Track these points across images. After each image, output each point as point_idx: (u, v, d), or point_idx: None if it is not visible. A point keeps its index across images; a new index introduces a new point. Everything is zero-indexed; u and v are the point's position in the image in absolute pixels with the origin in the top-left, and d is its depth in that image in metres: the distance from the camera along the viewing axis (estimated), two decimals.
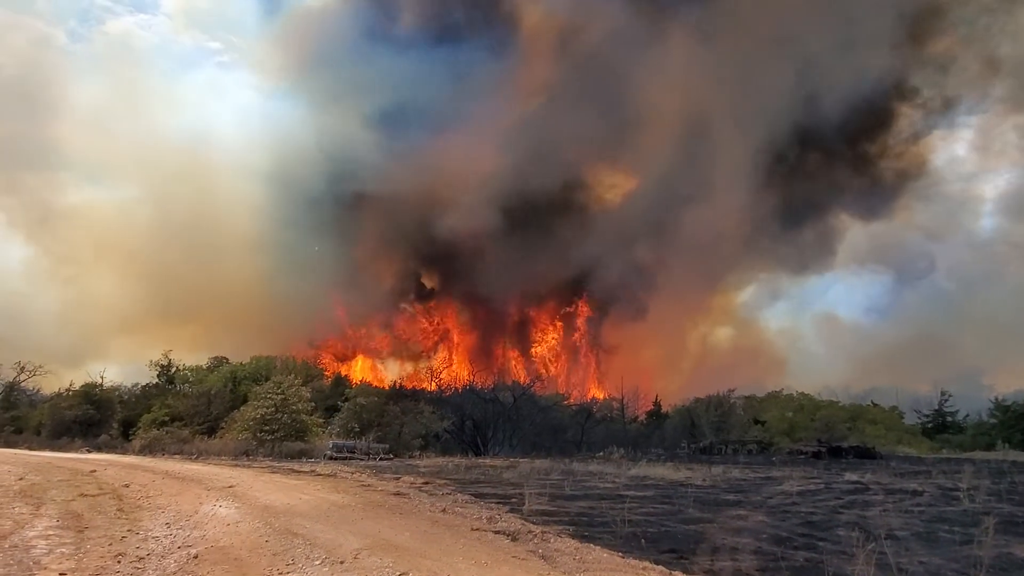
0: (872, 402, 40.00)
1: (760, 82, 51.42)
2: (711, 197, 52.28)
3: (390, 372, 51.40)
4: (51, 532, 6.93)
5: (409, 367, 51.85)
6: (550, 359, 54.26)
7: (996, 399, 35.80)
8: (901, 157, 54.44)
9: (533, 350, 54.95)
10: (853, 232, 58.20)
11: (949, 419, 39.22)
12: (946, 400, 39.91)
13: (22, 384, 37.50)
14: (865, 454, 26.43)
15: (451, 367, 47.11)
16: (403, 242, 54.59)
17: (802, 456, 26.76)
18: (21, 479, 11.80)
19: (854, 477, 16.69)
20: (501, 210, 51.32)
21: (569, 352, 54.65)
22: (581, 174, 56.44)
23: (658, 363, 53.10)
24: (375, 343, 54.28)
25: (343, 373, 41.09)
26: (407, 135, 53.10)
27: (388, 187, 50.68)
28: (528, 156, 50.73)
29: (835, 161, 54.58)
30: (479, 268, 53.48)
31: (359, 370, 48.77)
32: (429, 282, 58.14)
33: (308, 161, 52.16)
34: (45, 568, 5.49)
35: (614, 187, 58.64)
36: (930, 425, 39.12)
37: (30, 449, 25.90)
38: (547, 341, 55.26)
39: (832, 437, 29.54)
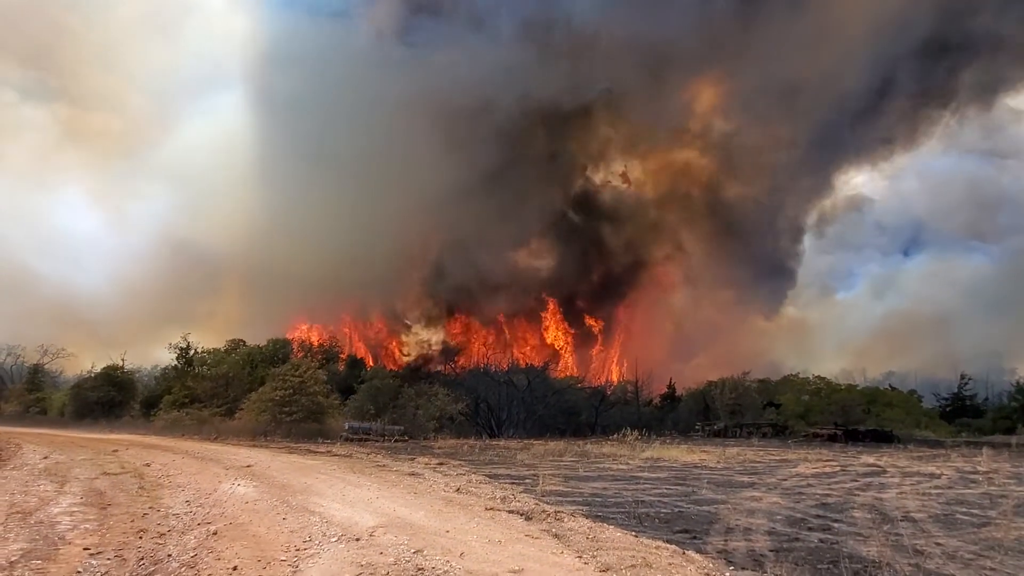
0: (890, 386, 39.58)
1: None
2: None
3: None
4: (75, 509, 7.11)
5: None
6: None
7: (1017, 382, 35.35)
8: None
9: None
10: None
11: (968, 403, 38.72)
12: (966, 383, 39.41)
13: (46, 366, 38.65)
14: (882, 437, 26.24)
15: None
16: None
17: (818, 439, 26.64)
18: (46, 458, 12.13)
19: (871, 460, 16.57)
20: None
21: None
22: None
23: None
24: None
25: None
26: None
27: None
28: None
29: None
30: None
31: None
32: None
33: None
34: (69, 543, 5.63)
35: None
36: (949, 409, 38.63)
37: (54, 429, 26.65)
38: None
39: (849, 420, 29.30)
